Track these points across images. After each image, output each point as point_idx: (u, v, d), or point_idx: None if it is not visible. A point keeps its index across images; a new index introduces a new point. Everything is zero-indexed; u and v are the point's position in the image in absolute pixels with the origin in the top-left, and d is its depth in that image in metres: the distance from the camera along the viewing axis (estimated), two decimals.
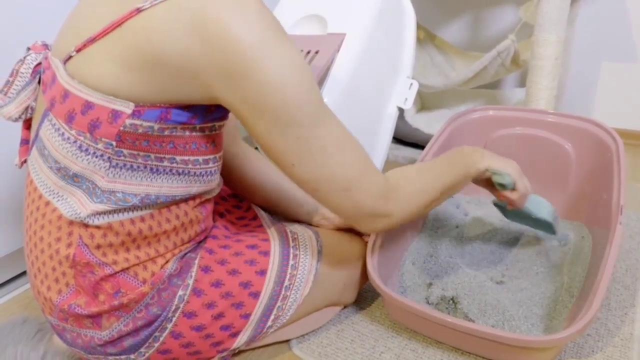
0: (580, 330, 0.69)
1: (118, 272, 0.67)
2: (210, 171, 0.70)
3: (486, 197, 1.22)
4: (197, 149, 0.66)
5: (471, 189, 1.23)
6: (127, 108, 0.60)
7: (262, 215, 0.89)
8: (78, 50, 0.61)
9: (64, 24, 0.68)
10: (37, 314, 0.95)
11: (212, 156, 0.69)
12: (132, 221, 0.66)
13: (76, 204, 0.64)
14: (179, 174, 0.66)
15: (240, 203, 0.93)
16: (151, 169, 0.64)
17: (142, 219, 0.67)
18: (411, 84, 1.28)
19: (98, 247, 0.66)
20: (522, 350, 0.74)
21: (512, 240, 1.03)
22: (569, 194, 1.13)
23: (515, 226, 1.06)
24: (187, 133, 0.64)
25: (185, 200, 0.70)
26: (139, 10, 0.58)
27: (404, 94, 1.28)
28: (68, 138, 0.63)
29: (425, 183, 0.74)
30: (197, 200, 0.72)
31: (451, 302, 0.87)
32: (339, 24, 1.20)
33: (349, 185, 0.65)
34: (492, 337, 0.72)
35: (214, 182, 0.72)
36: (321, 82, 1.14)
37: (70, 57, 0.62)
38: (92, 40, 0.60)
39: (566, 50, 1.51)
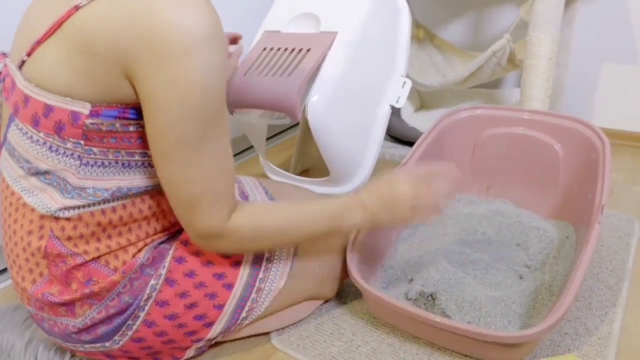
0: (550, 327, 0.70)
1: (89, 261, 0.69)
2: None
3: (476, 196, 1.23)
4: None
5: (461, 187, 1.23)
6: (84, 109, 0.61)
7: None
8: (29, 54, 0.63)
9: (17, 29, 0.70)
10: None
11: None
12: (103, 211, 0.68)
13: (47, 199, 0.66)
14: (151, 166, 0.68)
15: None
16: (123, 164, 0.66)
17: (114, 210, 0.69)
18: (404, 83, 1.29)
19: (69, 238, 0.68)
20: (493, 347, 0.75)
21: (496, 239, 1.04)
22: (558, 193, 1.13)
23: (501, 225, 1.06)
24: None
25: (158, 190, 0.72)
26: (77, 8, 0.60)
27: (397, 93, 1.29)
28: (37, 140, 0.65)
29: (271, 241, 0.74)
30: None
31: (430, 298, 0.88)
32: (332, 23, 1.21)
33: (194, 204, 0.65)
34: (461, 332, 0.73)
35: None
36: (311, 80, 1.15)
37: (23, 61, 0.64)
38: (39, 43, 0.62)
39: (566, 51, 1.51)
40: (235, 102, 1.16)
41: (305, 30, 1.26)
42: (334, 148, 1.22)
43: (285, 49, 1.21)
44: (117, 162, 0.66)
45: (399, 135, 1.64)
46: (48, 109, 0.62)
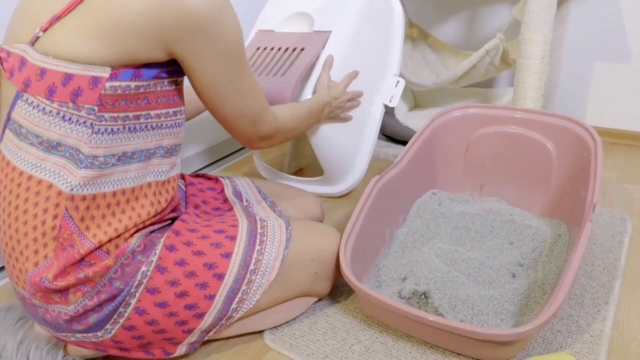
0: (542, 325, 0.70)
1: (97, 249, 0.71)
2: (179, 122, 0.78)
3: (470, 195, 1.23)
4: (167, 102, 0.74)
5: (455, 187, 1.24)
6: (105, 73, 0.66)
7: (237, 207, 0.91)
8: (44, 30, 0.67)
9: (14, 16, 0.73)
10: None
11: (179, 108, 0.77)
12: (114, 194, 0.71)
13: (65, 173, 0.68)
14: (153, 129, 0.73)
15: (218, 195, 0.95)
16: (129, 128, 0.71)
17: (124, 192, 0.72)
18: (397, 82, 1.29)
19: (82, 219, 0.70)
20: (486, 345, 0.75)
21: (489, 238, 1.04)
22: (550, 192, 1.13)
23: (494, 224, 1.07)
24: (158, 88, 0.72)
25: (156, 157, 0.75)
26: None
27: (390, 92, 1.29)
28: (50, 112, 0.67)
29: (297, 125, 1.00)
30: (174, 171, 0.79)
31: (423, 296, 0.88)
32: (326, 22, 1.22)
33: (256, 119, 0.83)
34: (454, 330, 0.73)
35: (182, 134, 0.80)
36: (305, 79, 1.16)
37: (37, 37, 0.68)
38: (58, 18, 0.67)
39: (559, 50, 1.51)
40: None
41: (298, 30, 1.26)
42: (328, 147, 1.22)
43: (279, 49, 1.21)
44: (124, 128, 0.70)
45: (393, 134, 1.65)
46: (67, 78, 0.66)
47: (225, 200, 0.93)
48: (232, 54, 0.73)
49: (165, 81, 0.73)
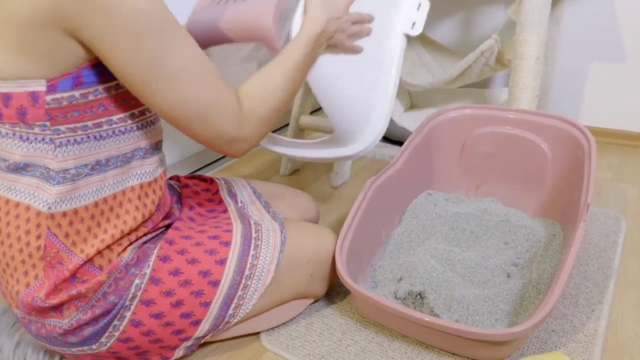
0: (536, 324, 0.71)
1: (86, 263, 0.70)
2: (151, 120, 0.73)
3: (465, 195, 1.23)
4: (129, 104, 0.69)
5: (451, 187, 1.24)
6: (41, 86, 0.62)
7: (232, 208, 0.91)
8: None
9: None
10: None
11: (146, 106, 0.71)
12: (96, 204, 0.69)
13: (39, 192, 0.67)
14: (123, 133, 0.69)
15: (213, 196, 0.95)
16: (94, 136, 0.67)
17: (105, 201, 0.70)
18: (420, 4, 1.00)
19: (67, 235, 0.68)
20: (481, 344, 0.75)
21: (484, 238, 1.05)
22: (545, 192, 1.14)
23: (489, 224, 1.07)
24: (113, 92, 0.67)
25: (136, 159, 0.72)
26: None
27: (411, 18, 0.99)
28: (6, 134, 0.65)
29: (279, 100, 0.76)
30: (160, 169, 0.76)
31: (418, 297, 0.89)
32: None
33: (205, 112, 0.67)
34: (449, 331, 0.74)
35: (159, 131, 0.75)
36: (294, 6, 0.93)
37: None
38: None
39: (554, 50, 1.52)
40: (203, 40, 0.95)
41: None
42: (333, 92, 0.97)
43: None
44: (88, 137, 0.66)
45: (389, 135, 1.65)
46: (6, 98, 0.63)
47: (220, 202, 0.93)
48: (146, 24, 0.60)
49: (114, 83, 0.67)
